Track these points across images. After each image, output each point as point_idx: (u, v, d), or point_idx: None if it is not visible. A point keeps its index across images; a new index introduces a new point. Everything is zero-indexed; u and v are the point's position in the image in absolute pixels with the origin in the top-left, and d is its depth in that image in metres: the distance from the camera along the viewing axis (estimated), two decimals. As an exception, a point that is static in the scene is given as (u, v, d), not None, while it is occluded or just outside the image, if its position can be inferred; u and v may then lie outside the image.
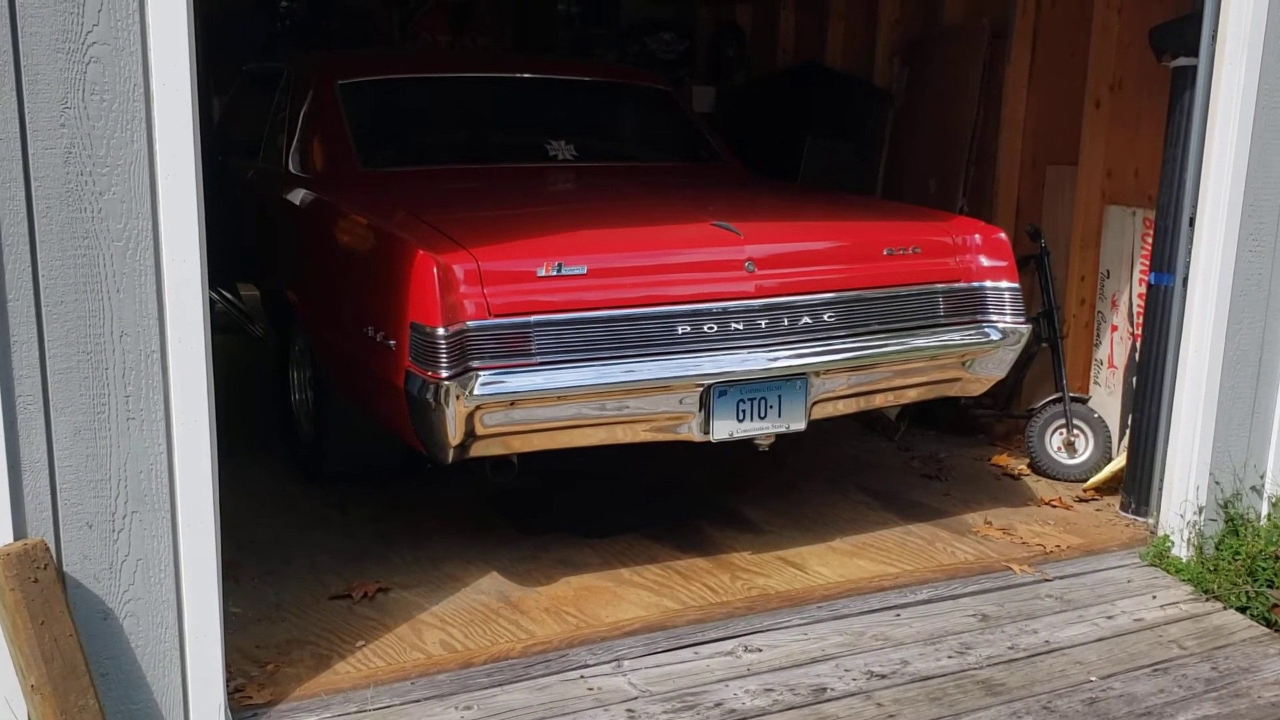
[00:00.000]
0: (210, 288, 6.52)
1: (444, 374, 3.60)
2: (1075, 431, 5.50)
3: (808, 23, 8.13)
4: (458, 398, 3.60)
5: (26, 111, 2.72)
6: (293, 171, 5.27)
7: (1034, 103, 6.12)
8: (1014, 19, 6.06)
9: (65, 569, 2.93)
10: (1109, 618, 4.10)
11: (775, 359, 4.06)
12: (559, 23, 10.40)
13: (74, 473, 2.91)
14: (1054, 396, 5.56)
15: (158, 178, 2.88)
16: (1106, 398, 5.66)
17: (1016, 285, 4.58)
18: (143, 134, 2.85)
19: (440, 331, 3.61)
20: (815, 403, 4.22)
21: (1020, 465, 5.63)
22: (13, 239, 2.75)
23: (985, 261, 4.56)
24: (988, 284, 4.55)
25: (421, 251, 3.70)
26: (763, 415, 4.10)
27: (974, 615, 4.08)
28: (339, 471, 4.91)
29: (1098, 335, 5.76)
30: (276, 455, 5.28)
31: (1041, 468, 5.52)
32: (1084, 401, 5.62)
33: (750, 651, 3.76)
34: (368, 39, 10.14)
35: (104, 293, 2.87)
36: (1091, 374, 5.81)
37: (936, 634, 3.93)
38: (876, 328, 4.33)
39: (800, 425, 4.19)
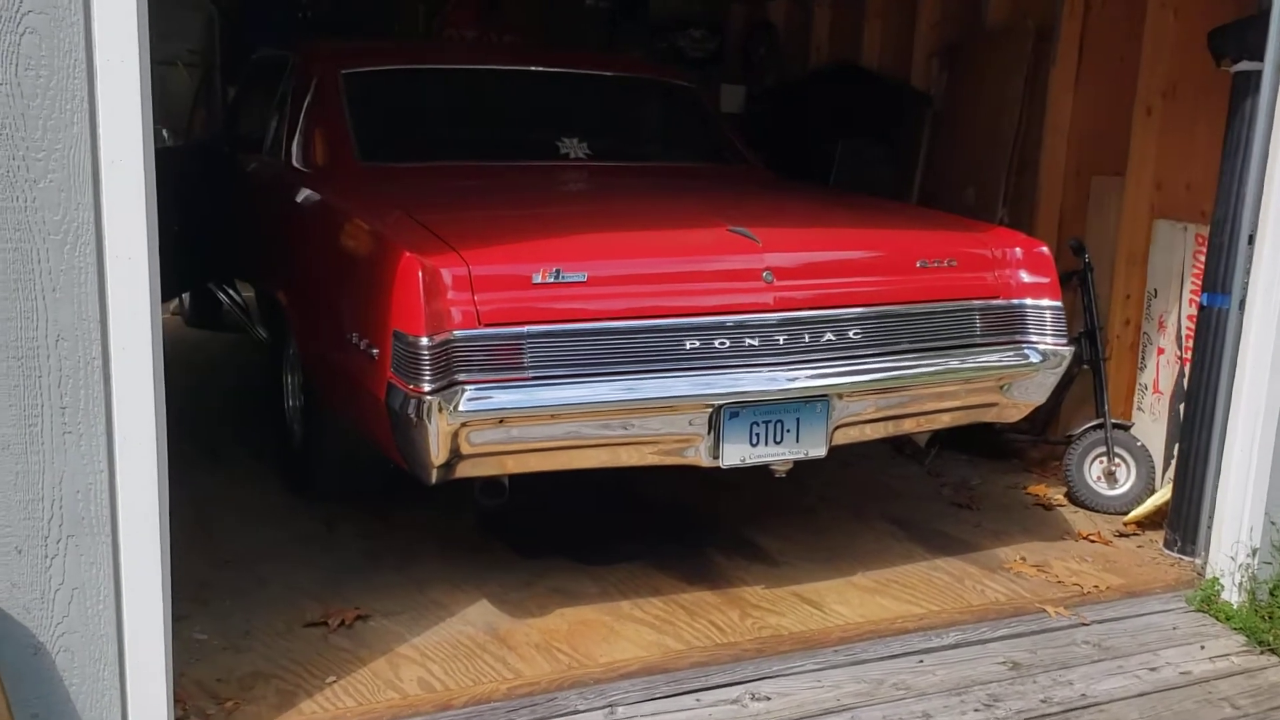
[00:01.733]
0: (218, 286, 6.31)
1: (426, 388, 3.30)
2: (1117, 460, 5.17)
3: (843, 21, 7.89)
4: (441, 413, 3.30)
5: (-48, 88, 2.45)
6: (292, 164, 4.99)
7: (1080, 109, 5.86)
8: (1060, 20, 5.82)
9: (-10, 598, 2.65)
10: (1152, 669, 3.78)
11: (794, 379, 3.75)
12: (588, 19, 10.20)
13: (1, 492, 2.62)
14: (1095, 422, 5.23)
15: (101, 164, 2.61)
16: (1151, 425, 5.33)
17: (1059, 304, 4.30)
18: (84, 115, 2.57)
19: (424, 341, 3.31)
20: (837, 427, 3.90)
21: (1057, 495, 5.30)
22: (-65, 229, 2.48)
23: (1026, 277, 4.28)
24: (1028, 301, 4.27)
25: (407, 253, 3.40)
26: (779, 440, 3.78)
27: (1004, 663, 3.75)
28: (326, 483, 4.61)
29: (1143, 358, 5.43)
30: (268, 464, 4.99)
31: (1079, 498, 5.19)
32: (1127, 428, 5.29)
33: (758, 700, 3.44)
34: (392, 33, 9.95)
35: (38, 291, 2.59)
36: (1135, 399, 5.48)
37: (963, 683, 3.61)
38: (906, 347, 4.03)
39: (820, 452, 3.87)
